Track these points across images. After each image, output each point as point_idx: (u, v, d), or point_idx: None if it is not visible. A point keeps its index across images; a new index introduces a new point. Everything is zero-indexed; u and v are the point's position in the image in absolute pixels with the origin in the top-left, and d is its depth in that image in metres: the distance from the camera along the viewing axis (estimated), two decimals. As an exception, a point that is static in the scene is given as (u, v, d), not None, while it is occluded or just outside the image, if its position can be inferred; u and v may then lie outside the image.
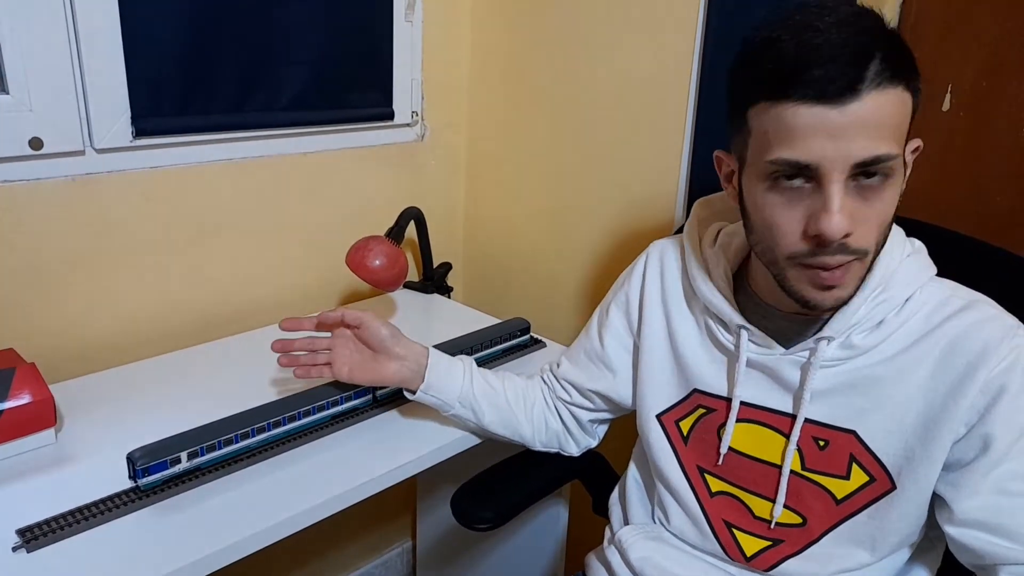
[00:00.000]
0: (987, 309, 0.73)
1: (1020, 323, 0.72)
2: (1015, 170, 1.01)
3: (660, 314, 0.89)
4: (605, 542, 0.97)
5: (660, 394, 0.88)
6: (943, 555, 0.83)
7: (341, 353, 0.98)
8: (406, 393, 0.98)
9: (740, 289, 0.83)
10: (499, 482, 1.05)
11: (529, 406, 1.00)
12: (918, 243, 0.78)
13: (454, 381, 0.96)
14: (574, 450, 1.03)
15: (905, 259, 0.74)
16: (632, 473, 0.97)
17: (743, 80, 0.69)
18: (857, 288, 0.71)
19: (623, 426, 1.04)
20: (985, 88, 1.02)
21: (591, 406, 0.98)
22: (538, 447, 1.01)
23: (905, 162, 0.69)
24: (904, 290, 0.73)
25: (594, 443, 1.04)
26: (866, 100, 0.61)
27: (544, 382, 1.03)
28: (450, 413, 0.97)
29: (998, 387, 0.69)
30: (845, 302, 0.71)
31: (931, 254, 0.78)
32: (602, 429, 1.04)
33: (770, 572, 0.82)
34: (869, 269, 0.71)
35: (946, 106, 1.05)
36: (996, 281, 0.79)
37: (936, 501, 0.75)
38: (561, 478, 1.12)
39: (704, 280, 0.83)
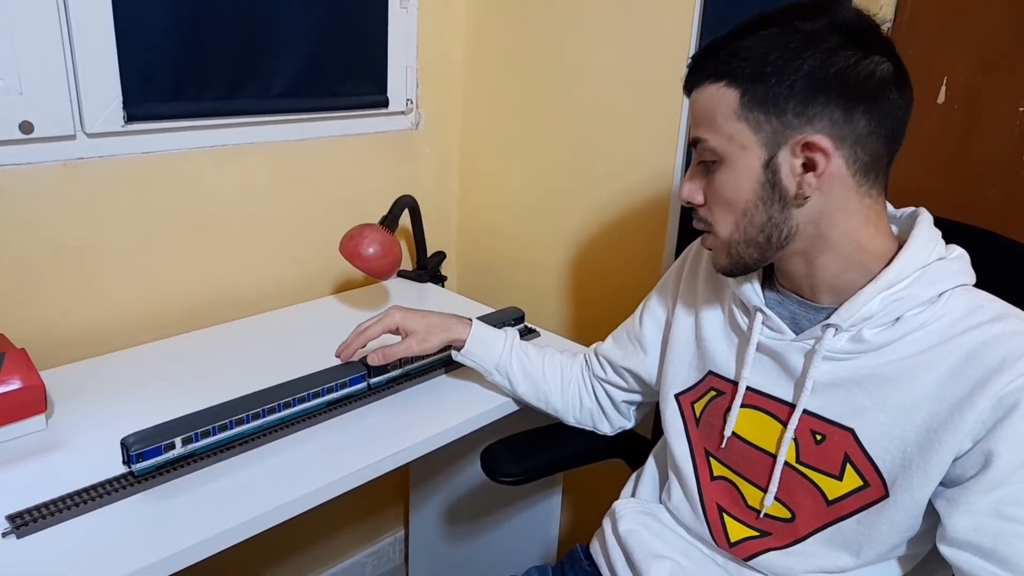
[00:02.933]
0: (1017, 324, 0.69)
1: None
2: (1009, 162, 1.01)
3: (693, 298, 0.92)
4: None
5: (680, 374, 0.91)
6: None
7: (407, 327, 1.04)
8: (452, 353, 1.08)
9: (767, 277, 0.84)
10: (535, 443, 1.12)
11: (567, 382, 1.06)
12: (959, 250, 0.74)
13: (493, 349, 1.05)
14: (607, 429, 1.07)
15: (936, 261, 0.72)
16: (653, 453, 1.00)
17: None
18: (729, 261, 0.78)
19: None
20: (980, 81, 1.02)
21: (624, 385, 1.02)
22: (571, 422, 1.07)
23: (780, 158, 0.72)
24: (929, 290, 0.71)
25: (628, 424, 1.08)
26: (694, 95, 0.76)
27: (586, 360, 1.08)
28: (489, 378, 1.07)
29: (1011, 404, 0.66)
30: (725, 270, 0.79)
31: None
32: (636, 413, 1.07)
33: (748, 561, 0.83)
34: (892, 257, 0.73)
35: (941, 99, 1.05)
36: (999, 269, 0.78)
37: (933, 517, 0.72)
38: (600, 453, 1.14)
39: None
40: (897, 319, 0.71)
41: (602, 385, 1.04)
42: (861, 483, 0.74)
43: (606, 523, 0.97)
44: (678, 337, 0.92)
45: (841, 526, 0.76)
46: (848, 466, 0.75)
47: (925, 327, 0.71)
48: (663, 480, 0.95)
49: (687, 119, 1.21)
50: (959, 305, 0.71)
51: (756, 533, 0.82)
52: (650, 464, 0.99)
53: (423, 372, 1.13)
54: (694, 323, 0.91)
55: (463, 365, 1.07)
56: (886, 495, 0.73)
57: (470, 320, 1.07)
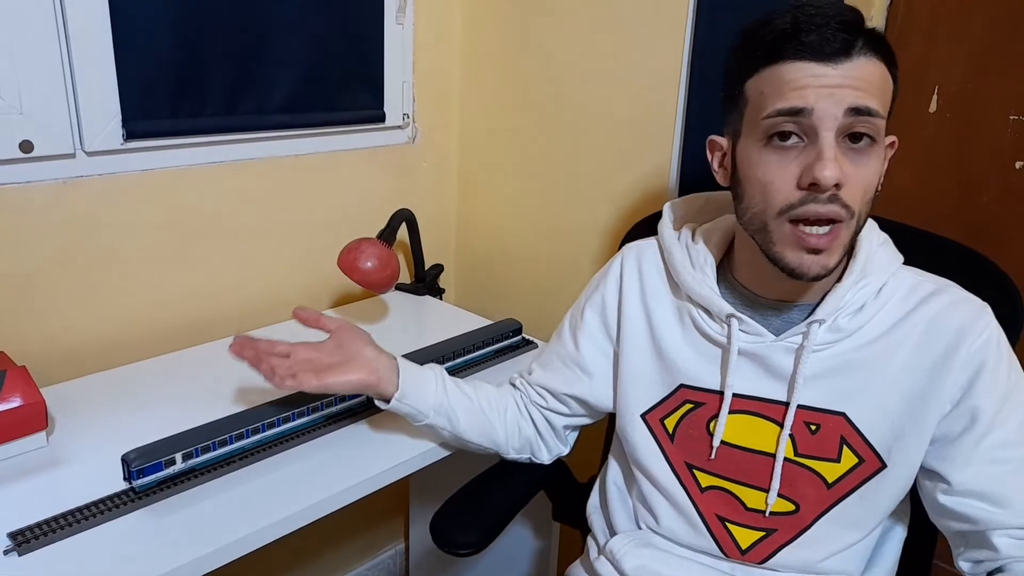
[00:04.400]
0: (956, 291, 0.79)
1: (984, 302, 0.78)
2: (1001, 169, 1.02)
3: (640, 314, 0.89)
4: (592, 552, 0.96)
5: (644, 393, 0.88)
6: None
7: (303, 362, 0.91)
8: (378, 403, 0.94)
9: (723, 281, 0.84)
10: (476, 501, 1.00)
11: (502, 411, 0.98)
12: (884, 235, 0.82)
13: (427, 390, 0.93)
14: (545, 457, 1.01)
15: (879, 247, 0.80)
16: (612, 478, 0.96)
17: (741, 57, 0.75)
18: (841, 259, 0.73)
19: (586, 434, 1.04)
20: (971, 89, 1.03)
21: (566, 411, 0.97)
22: (511, 454, 0.99)
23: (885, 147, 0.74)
24: (880, 276, 0.78)
25: (565, 451, 1.03)
26: (856, 62, 0.68)
27: (516, 387, 1.01)
28: (423, 423, 0.93)
29: (979, 362, 0.74)
30: (830, 271, 0.73)
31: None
32: (573, 436, 1.03)
33: (764, 564, 0.83)
34: (851, 251, 0.77)
35: (932, 107, 1.06)
36: (948, 270, 0.83)
37: (922, 474, 0.79)
38: (532, 488, 1.07)
39: (689, 272, 0.84)
40: (861, 306, 0.77)
41: (541, 412, 0.98)
42: (857, 460, 0.79)
43: (601, 565, 0.91)
44: (633, 355, 0.88)
45: (844, 504, 0.80)
46: (845, 447, 0.79)
47: (883, 308, 0.78)
48: (635, 506, 0.92)
49: (681, 128, 1.22)
50: (903, 284, 0.79)
51: (763, 533, 0.83)
52: (613, 493, 0.95)
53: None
54: (649, 337, 0.87)
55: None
56: (883, 466, 0.78)
57: (394, 357, 0.94)
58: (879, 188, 0.74)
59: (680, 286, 0.85)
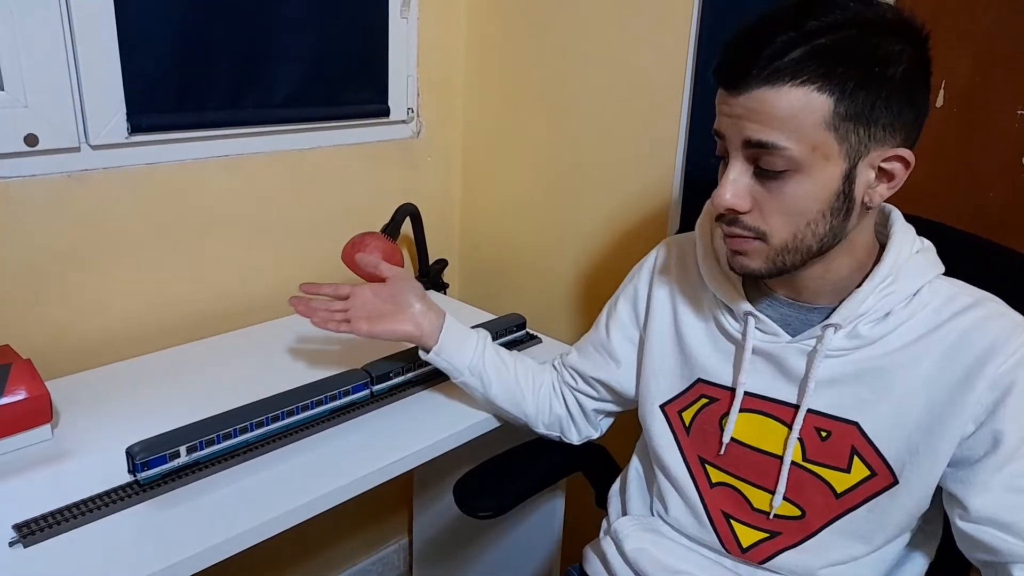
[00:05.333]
0: (995, 306, 0.74)
1: None
2: (1009, 164, 1.01)
3: (668, 306, 0.90)
4: (601, 533, 0.98)
5: (664, 384, 0.89)
6: (939, 547, 0.84)
7: (359, 306, 1.01)
8: (420, 353, 1.02)
9: (748, 279, 0.84)
10: (502, 471, 1.06)
11: (537, 387, 1.02)
12: (927, 242, 0.78)
13: (466, 349, 1.00)
14: (575, 438, 1.04)
15: (914, 255, 0.76)
16: (634, 465, 0.98)
17: None
18: (767, 267, 0.74)
19: (628, 421, 1.04)
20: (978, 83, 1.02)
21: (595, 394, 1.00)
22: (541, 429, 1.04)
23: (859, 169, 0.69)
24: (911, 283, 0.74)
25: (595, 434, 1.05)
26: (757, 93, 0.66)
27: (554, 368, 1.05)
28: (459, 380, 1.01)
29: (1007, 383, 0.70)
30: (757, 274, 0.75)
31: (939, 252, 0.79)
32: (605, 422, 1.05)
33: (764, 564, 0.83)
34: (878, 256, 0.75)
35: (939, 102, 1.05)
36: (995, 277, 0.80)
37: (945, 497, 0.76)
38: (564, 469, 1.12)
39: (714, 269, 0.84)
40: (887, 314, 0.74)
41: (573, 393, 1.02)
42: (868, 473, 0.76)
43: (607, 544, 0.94)
44: (656, 346, 0.90)
45: (852, 516, 0.78)
46: (855, 458, 0.77)
47: (913, 317, 0.74)
48: (651, 492, 0.94)
49: (686, 122, 1.22)
50: (938, 294, 0.75)
51: (767, 534, 0.82)
52: (634, 478, 0.97)
53: (425, 379, 1.13)
54: (673, 330, 0.89)
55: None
56: (895, 482, 0.75)
57: (443, 313, 1.02)
58: (858, 203, 0.70)
59: (706, 281, 0.85)
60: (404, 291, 1.01)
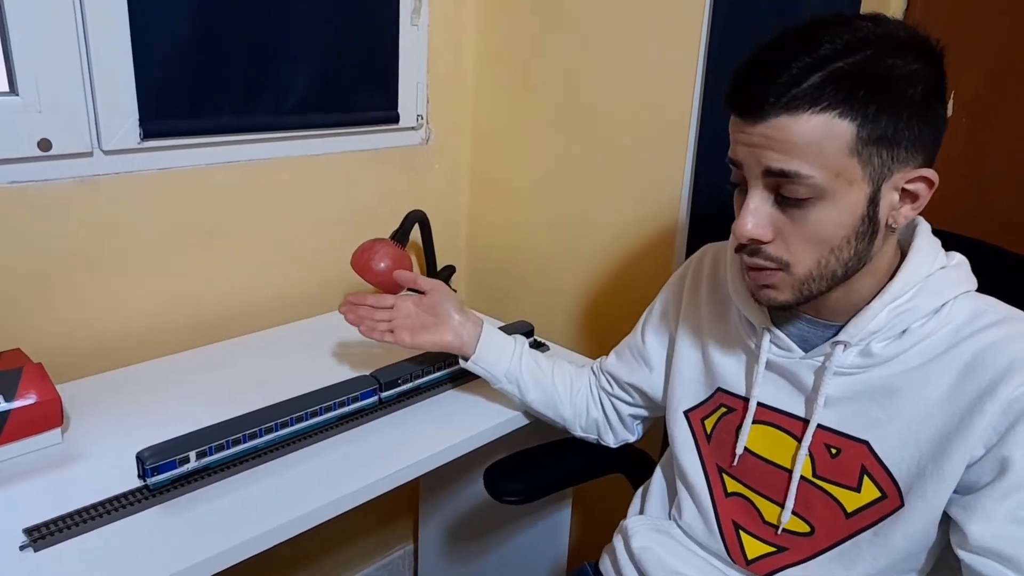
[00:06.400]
0: (1020, 326, 0.70)
1: None
2: (1018, 174, 1.01)
3: (698, 313, 0.91)
4: (616, 531, 0.99)
5: (689, 391, 0.90)
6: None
7: (403, 317, 1.05)
8: (460, 361, 1.05)
9: None
10: (535, 461, 1.10)
11: (575, 391, 1.05)
12: (959, 257, 0.75)
13: (503, 357, 1.03)
14: (611, 441, 1.06)
15: (939, 271, 0.73)
16: (660, 468, 0.99)
17: None
18: (794, 297, 0.72)
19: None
20: (987, 93, 1.02)
21: (629, 399, 1.02)
22: (578, 432, 1.06)
23: (883, 192, 0.67)
24: (932, 300, 0.71)
25: (632, 438, 1.07)
26: (775, 121, 0.65)
27: (592, 372, 1.07)
28: (497, 386, 1.04)
29: (1021, 408, 0.66)
30: (786, 305, 0.73)
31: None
32: (641, 427, 1.07)
33: None
34: (893, 273, 0.72)
35: (949, 112, 1.06)
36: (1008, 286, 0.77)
37: (950, 525, 0.73)
38: (603, 469, 1.14)
39: (736, 282, 0.84)
40: (904, 331, 0.72)
41: (609, 398, 1.04)
42: (879, 494, 0.74)
43: (617, 540, 0.96)
44: (683, 353, 0.91)
45: (859, 539, 0.76)
46: (866, 477, 0.75)
47: (931, 336, 0.71)
48: (671, 496, 0.95)
49: (695, 132, 1.22)
50: (963, 311, 0.72)
51: (774, 549, 0.82)
52: (657, 480, 0.98)
53: (433, 386, 1.13)
54: (700, 339, 0.90)
55: (472, 378, 1.08)
56: (901, 505, 0.73)
57: (480, 323, 1.05)
58: (883, 225, 0.69)
59: (732, 295, 0.85)
60: (444, 303, 1.04)
